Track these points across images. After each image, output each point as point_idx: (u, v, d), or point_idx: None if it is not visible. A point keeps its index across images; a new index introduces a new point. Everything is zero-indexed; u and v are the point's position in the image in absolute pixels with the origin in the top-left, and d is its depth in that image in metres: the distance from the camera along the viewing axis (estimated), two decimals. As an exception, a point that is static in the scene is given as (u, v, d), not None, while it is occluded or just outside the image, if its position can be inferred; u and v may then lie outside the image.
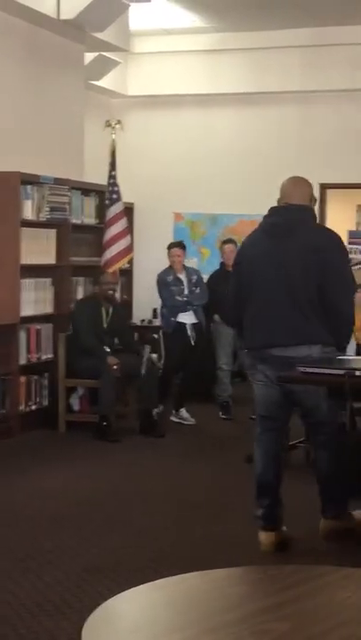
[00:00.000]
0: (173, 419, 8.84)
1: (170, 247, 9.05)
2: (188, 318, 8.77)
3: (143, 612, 2.39)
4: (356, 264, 10.57)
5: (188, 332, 8.73)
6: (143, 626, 2.30)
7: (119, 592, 2.50)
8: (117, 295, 8.79)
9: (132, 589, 2.52)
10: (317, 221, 5.41)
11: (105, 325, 8.39)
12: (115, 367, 8.02)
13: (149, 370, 8.32)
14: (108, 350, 8.27)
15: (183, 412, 8.83)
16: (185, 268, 8.93)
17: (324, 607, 2.39)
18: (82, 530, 5.47)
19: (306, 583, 2.58)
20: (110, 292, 8.42)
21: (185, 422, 8.78)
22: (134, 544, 5.24)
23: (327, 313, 4.91)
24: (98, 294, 8.54)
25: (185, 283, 8.80)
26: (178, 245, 9.03)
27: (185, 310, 8.75)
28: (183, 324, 8.75)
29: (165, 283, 8.83)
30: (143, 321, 11.00)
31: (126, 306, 8.76)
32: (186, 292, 8.75)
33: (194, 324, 8.76)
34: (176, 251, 8.90)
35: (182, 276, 8.83)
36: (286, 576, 2.70)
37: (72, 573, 4.72)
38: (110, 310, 8.42)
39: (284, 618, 2.29)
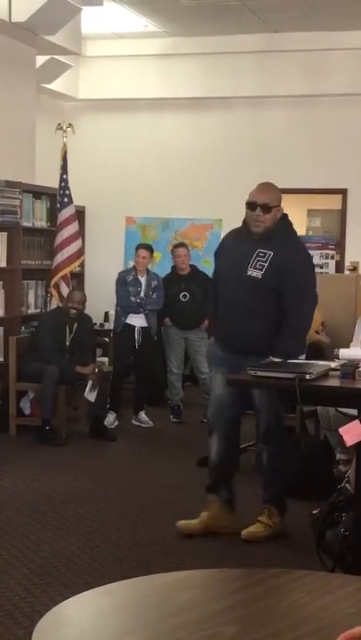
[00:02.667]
0: (134, 422, 8.86)
1: (137, 248, 9.06)
2: (137, 321, 8.78)
3: (93, 616, 2.39)
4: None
5: (136, 334, 8.74)
6: (93, 630, 2.30)
7: (70, 597, 2.49)
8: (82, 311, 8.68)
9: (82, 594, 2.52)
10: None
11: (67, 343, 8.34)
12: (92, 374, 8.10)
13: (97, 381, 8.29)
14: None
15: (142, 415, 8.85)
16: (148, 271, 8.93)
17: (275, 610, 2.41)
18: (32, 534, 5.45)
19: (256, 586, 2.59)
20: (73, 311, 8.33)
21: (143, 425, 8.80)
22: (85, 548, 5.23)
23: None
24: (63, 309, 8.48)
25: (143, 285, 8.80)
26: (145, 247, 9.02)
27: (137, 312, 8.76)
28: (132, 327, 8.76)
29: (123, 282, 8.84)
30: (95, 324, 10.98)
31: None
32: (142, 294, 8.76)
33: (142, 328, 8.76)
34: (142, 252, 8.90)
35: (142, 279, 8.83)
36: (236, 579, 2.71)
37: (22, 578, 4.70)
38: (75, 327, 8.37)
39: (232, 621, 2.30)
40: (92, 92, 11.52)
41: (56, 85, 10.87)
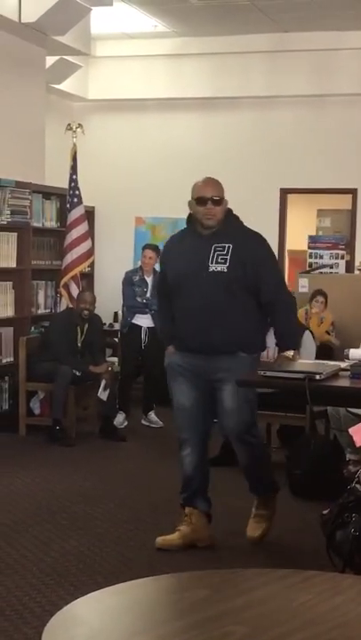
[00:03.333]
0: (143, 422, 8.87)
1: (143, 248, 9.06)
2: (144, 321, 8.78)
3: (102, 616, 2.39)
4: (317, 269, 10.66)
5: (142, 335, 8.75)
6: (102, 630, 2.30)
7: (80, 596, 2.50)
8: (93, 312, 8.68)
9: (92, 594, 2.52)
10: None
11: (79, 344, 8.36)
12: (105, 373, 8.13)
13: (110, 380, 8.31)
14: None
15: (152, 415, 8.86)
16: (154, 271, 8.93)
17: (284, 610, 2.41)
18: (42, 534, 5.46)
19: (265, 587, 2.59)
20: (85, 312, 8.35)
21: (153, 425, 8.80)
22: (95, 548, 5.23)
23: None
24: (74, 310, 8.49)
25: (149, 286, 8.79)
26: (151, 248, 9.01)
27: (143, 313, 8.76)
28: (139, 327, 8.77)
29: (130, 282, 8.85)
30: (104, 324, 10.98)
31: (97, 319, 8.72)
32: (148, 295, 8.75)
33: (149, 328, 8.76)
34: (149, 252, 8.89)
35: (149, 279, 8.83)
36: (246, 579, 2.71)
37: (32, 578, 4.71)
38: (85, 328, 8.39)
39: (242, 621, 2.30)
40: (101, 93, 11.52)
41: (65, 86, 10.87)
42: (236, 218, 5.15)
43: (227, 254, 4.93)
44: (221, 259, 4.93)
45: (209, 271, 4.92)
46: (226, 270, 4.91)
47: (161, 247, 7.32)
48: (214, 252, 4.94)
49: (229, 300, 4.94)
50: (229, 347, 4.99)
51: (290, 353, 5.08)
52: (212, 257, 4.94)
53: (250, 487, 5.43)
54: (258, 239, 5.13)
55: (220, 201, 5.00)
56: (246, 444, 5.20)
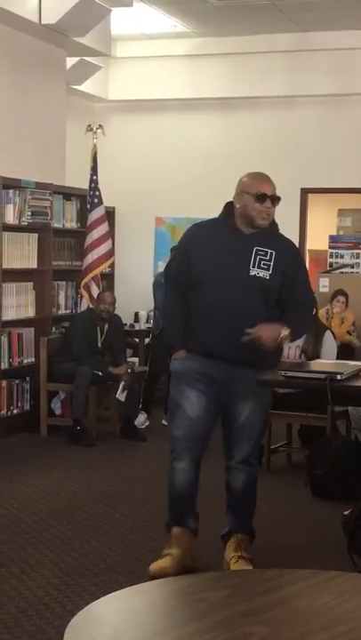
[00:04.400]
0: (164, 422, 8.87)
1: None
2: None
3: (124, 616, 2.40)
4: (338, 268, 10.64)
5: None
6: (124, 630, 2.30)
7: (101, 596, 2.50)
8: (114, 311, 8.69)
9: (113, 594, 2.53)
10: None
11: (99, 344, 8.38)
12: (125, 375, 8.14)
13: (129, 381, 8.31)
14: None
15: None
16: None
17: (305, 611, 2.40)
18: (63, 534, 5.47)
19: (287, 587, 2.59)
20: (105, 313, 8.36)
21: None
22: (116, 548, 5.24)
23: None
24: (95, 310, 8.51)
25: None
26: None
27: None
28: None
29: (160, 284, 8.84)
30: (125, 325, 10.99)
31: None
32: None
33: None
34: None
35: None
36: (267, 580, 2.71)
37: (54, 578, 4.72)
38: (106, 328, 8.41)
39: (263, 622, 2.30)
40: (121, 93, 11.53)
41: (86, 87, 10.90)
42: (276, 223, 4.82)
43: (270, 260, 4.62)
44: (264, 264, 4.61)
45: (250, 274, 4.59)
46: (268, 278, 4.60)
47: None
48: (256, 255, 4.61)
49: (263, 309, 4.60)
50: (257, 358, 4.58)
51: (286, 332, 4.55)
52: (254, 260, 4.61)
53: (239, 523, 4.89)
54: (296, 249, 4.96)
55: (278, 201, 4.71)
56: (250, 467, 4.84)
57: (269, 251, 4.63)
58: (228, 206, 4.78)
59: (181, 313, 4.75)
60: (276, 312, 4.67)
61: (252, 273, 4.59)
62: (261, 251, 4.62)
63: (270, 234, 4.73)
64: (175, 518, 4.85)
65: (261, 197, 4.62)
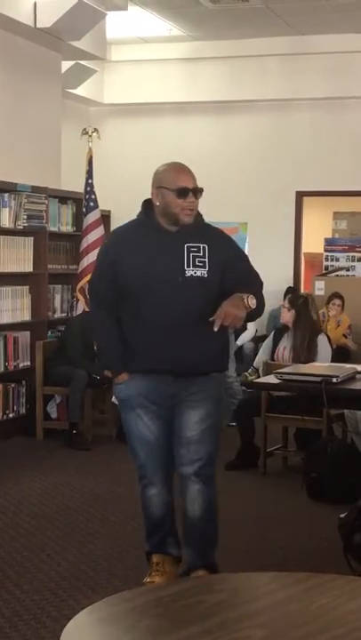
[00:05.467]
0: None
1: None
2: None
3: (120, 620, 2.40)
4: (334, 271, 10.65)
5: None
6: (121, 634, 2.30)
7: (98, 600, 2.50)
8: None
9: (110, 598, 2.53)
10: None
11: (95, 348, 8.36)
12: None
13: None
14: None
15: None
16: None
17: (303, 613, 2.41)
18: (60, 537, 5.47)
19: (283, 590, 2.59)
20: None
21: None
22: (112, 552, 5.24)
23: None
24: None
25: None
26: None
27: None
28: None
29: None
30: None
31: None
32: None
33: None
34: None
35: None
36: (264, 582, 2.71)
37: (50, 582, 4.72)
38: None
39: (261, 624, 2.30)
40: (117, 97, 11.55)
41: (81, 90, 10.90)
42: (200, 214, 4.32)
43: (204, 256, 4.20)
44: (199, 262, 4.19)
45: (186, 276, 4.17)
46: (207, 275, 4.18)
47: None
48: (188, 253, 4.19)
49: (207, 311, 4.11)
50: (206, 366, 4.29)
51: (248, 296, 4.13)
52: (188, 259, 4.18)
53: (199, 557, 4.44)
54: (227, 236, 4.48)
55: (200, 193, 4.25)
56: (206, 483, 4.36)
57: (201, 245, 4.22)
58: (147, 204, 4.35)
59: (115, 331, 4.32)
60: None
61: (188, 273, 4.18)
62: (193, 247, 4.21)
63: (198, 227, 4.28)
64: (155, 545, 4.52)
65: (183, 192, 4.19)
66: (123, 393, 4.40)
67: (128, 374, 4.34)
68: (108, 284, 4.30)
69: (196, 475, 4.32)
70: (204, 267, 4.19)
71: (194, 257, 4.20)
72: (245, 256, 4.55)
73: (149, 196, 4.32)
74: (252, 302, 4.12)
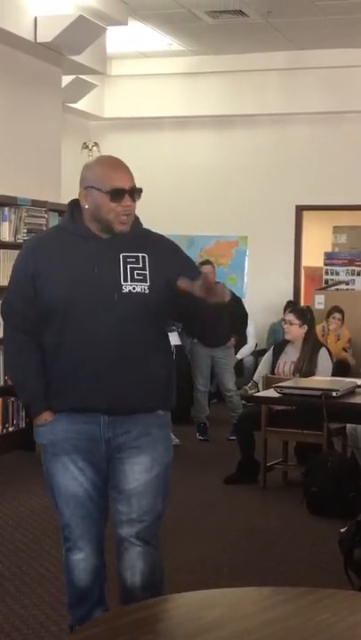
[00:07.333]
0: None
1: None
2: (172, 339, 8.73)
3: (120, 635, 2.39)
4: (333, 285, 10.65)
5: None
6: (120, 649, 2.29)
7: (97, 615, 2.49)
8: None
9: (110, 612, 2.52)
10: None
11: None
12: None
13: None
14: None
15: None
16: None
17: (301, 629, 2.40)
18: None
19: (284, 605, 2.58)
20: None
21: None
22: (112, 566, 5.21)
23: None
24: None
25: None
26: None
27: (170, 331, 8.73)
28: None
29: None
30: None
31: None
32: None
33: (177, 346, 8.74)
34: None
35: None
36: (264, 598, 2.70)
37: (50, 597, 4.70)
38: None
39: (260, 639, 2.29)
40: (117, 111, 11.59)
41: (82, 105, 10.93)
42: (137, 218, 3.57)
43: (144, 268, 3.42)
44: (138, 274, 3.40)
45: (123, 292, 3.36)
46: (147, 291, 3.38)
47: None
48: (125, 264, 3.41)
49: (148, 334, 3.44)
50: (149, 402, 3.48)
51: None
52: (125, 271, 3.39)
53: None
54: (170, 242, 3.69)
55: (139, 194, 3.49)
56: (150, 546, 3.54)
57: (140, 255, 3.44)
58: (73, 206, 3.57)
59: (36, 360, 3.47)
60: (165, 336, 3.63)
61: (125, 289, 3.37)
62: (130, 257, 3.42)
63: (134, 232, 3.50)
64: (80, 619, 3.53)
65: (118, 194, 3.40)
66: (45, 437, 3.55)
67: (52, 414, 3.48)
68: (26, 302, 3.45)
69: (138, 537, 3.49)
70: (144, 281, 3.39)
71: (132, 269, 3.40)
72: (195, 266, 3.77)
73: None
74: (227, 295, 3.34)
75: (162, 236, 3.66)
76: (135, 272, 3.40)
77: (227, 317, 3.52)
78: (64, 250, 3.45)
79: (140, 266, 3.41)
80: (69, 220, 3.54)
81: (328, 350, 7.41)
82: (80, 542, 3.58)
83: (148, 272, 3.40)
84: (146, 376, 3.43)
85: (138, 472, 3.46)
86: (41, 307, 3.41)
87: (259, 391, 6.97)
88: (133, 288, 3.37)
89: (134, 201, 3.44)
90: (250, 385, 9.69)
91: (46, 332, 3.43)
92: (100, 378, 3.37)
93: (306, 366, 6.99)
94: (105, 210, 3.39)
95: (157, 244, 3.56)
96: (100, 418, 3.42)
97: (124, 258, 3.41)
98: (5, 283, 3.59)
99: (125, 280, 3.37)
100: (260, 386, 7.08)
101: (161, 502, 3.53)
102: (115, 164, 3.54)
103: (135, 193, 3.45)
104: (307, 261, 11.61)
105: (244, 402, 8.77)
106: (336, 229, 11.24)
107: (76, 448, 3.47)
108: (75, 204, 3.54)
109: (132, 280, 3.38)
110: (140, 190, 3.48)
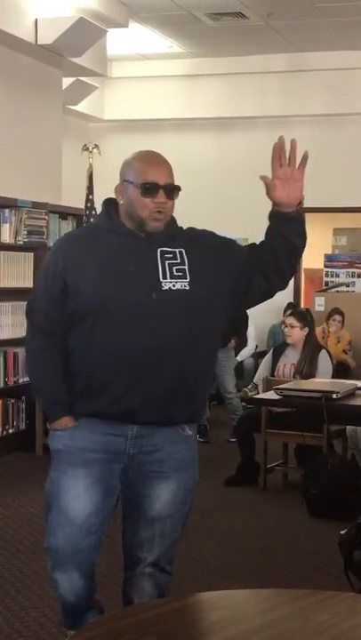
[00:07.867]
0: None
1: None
2: None
3: (120, 637, 2.39)
4: (334, 287, 10.66)
5: None
6: (121, 651, 2.29)
7: (98, 616, 2.49)
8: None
9: (110, 614, 2.52)
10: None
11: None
12: None
13: None
14: None
15: None
16: None
17: (303, 630, 2.40)
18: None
19: (285, 606, 2.58)
20: None
21: None
22: (112, 568, 5.22)
23: None
24: None
25: None
26: None
27: None
28: None
29: None
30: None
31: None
32: None
33: None
34: None
35: None
36: (265, 599, 2.70)
37: (49, 598, 4.69)
38: None
39: (261, 642, 2.29)
40: (117, 113, 11.60)
41: (82, 107, 10.94)
42: (174, 219, 3.42)
43: (182, 263, 3.21)
44: (178, 270, 3.19)
45: (163, 289, 3.15)
46: (188, 287, 3.17)
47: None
48: (163, 260, 3.20)
49: (190, 336, 3.16)
50: (185, 414, 3.26)
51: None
52: (163, 268, 3.18)
53: None
54: (200, 230, 3.52)
55: (177, 192, 3.34)
56: (163, 574, 3.37)
57: (177, 250, 3.24)
58: (109, 204, 3.36)
59: (57, 364, 3.26)
60: (212, 338, 3.31)
61: (165, 287, 3.15)
62: (168, 253, 3.23)
63: (170, 227, 3.32)
64: (73, 623, 3.38)
65: (150, 189, 3.21)
66: (61, 442, 3.29)
67: (73, 420, 3.24)
68: (52, 302, 3.24)
69: (156, 565, 3.33)
70: (184, 277, 3.18)
71: (170, 265, 3.19)
72: (232, 242, 3.62)
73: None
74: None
75: (194, 228, 3.48)
76: (174, 268, 3.19)
77: (303, 225, 3.58)
78: (97, 247, 3.23)
79: (179, 261, 3.21)
80: (105, 217, 3.33)
81: (328, 352, 7.41)
82: (66, 567, 3.33)
83: (187, 267, 3.19)
84: (184, 381, 3.16)
85: (164, 499, 3.29)
86: (72, 307, 3.18)
87: (259, 393, 6.97)
88: (173, 285, 3.15)
89: (170, 198, 3.26)
90: (250, 387, 9.69)
91: (75, 332, 3.19)
92: (135, 383, 3.12)
93: (306, 368, 6.99)
94: (137, 205, 3.20)
95: (194, 236, 3.38)
96: (128, 429, 3.17)
97: (162, 253, 3.21)
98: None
99: (165, 277, 3.16)
100: (261, 388, 7.08)
101: (180, 531, 3.40)
102: (151, 158, 3.36)
103: (170, 190, 3.27)
104: (307, 263, 11.58)
105: (244, 404, 8.77)
106: (336, 231, 11.24)
107: (89, 462, 3.22)
108: (110, 201, 3.35)
109: (172, 277, 3.17)
110: (178, 188, 3.31)
